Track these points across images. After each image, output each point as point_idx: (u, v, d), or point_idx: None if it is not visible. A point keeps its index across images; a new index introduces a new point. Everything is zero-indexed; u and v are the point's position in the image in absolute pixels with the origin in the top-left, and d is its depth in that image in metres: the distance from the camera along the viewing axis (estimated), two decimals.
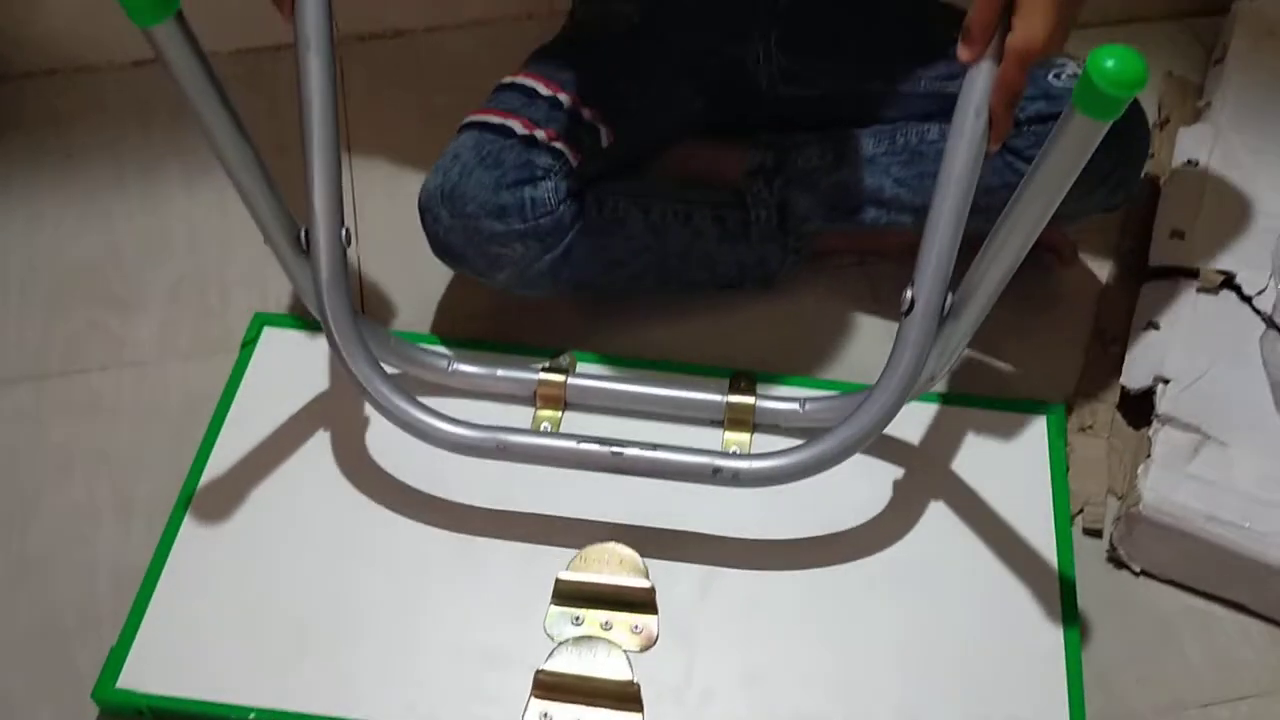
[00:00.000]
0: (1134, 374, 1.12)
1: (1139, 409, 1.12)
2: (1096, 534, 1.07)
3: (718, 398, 1.08)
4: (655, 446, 0.96)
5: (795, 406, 1.07)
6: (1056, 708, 0.94)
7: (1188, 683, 0.98)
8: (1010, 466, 1.08)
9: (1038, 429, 1.11)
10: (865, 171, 1.17)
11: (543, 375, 1.09)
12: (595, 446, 0.96)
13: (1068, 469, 1.09)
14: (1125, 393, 1.12)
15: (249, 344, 1.18)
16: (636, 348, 1.19)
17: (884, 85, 1.19)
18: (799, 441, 0.96)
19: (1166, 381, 1.09)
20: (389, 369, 1.04)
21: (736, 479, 0.94)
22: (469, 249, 1.09)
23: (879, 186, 1.17)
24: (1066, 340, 1.21)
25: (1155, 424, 1.07)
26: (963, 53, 0.87)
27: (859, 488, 1.05)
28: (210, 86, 0.89)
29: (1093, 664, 0.97)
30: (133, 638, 0.96)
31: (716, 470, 0.94)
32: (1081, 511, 1.07)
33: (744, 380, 1.11)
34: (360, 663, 0.96)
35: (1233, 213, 1.23)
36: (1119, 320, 1.20)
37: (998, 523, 1.04)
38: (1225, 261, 1.17)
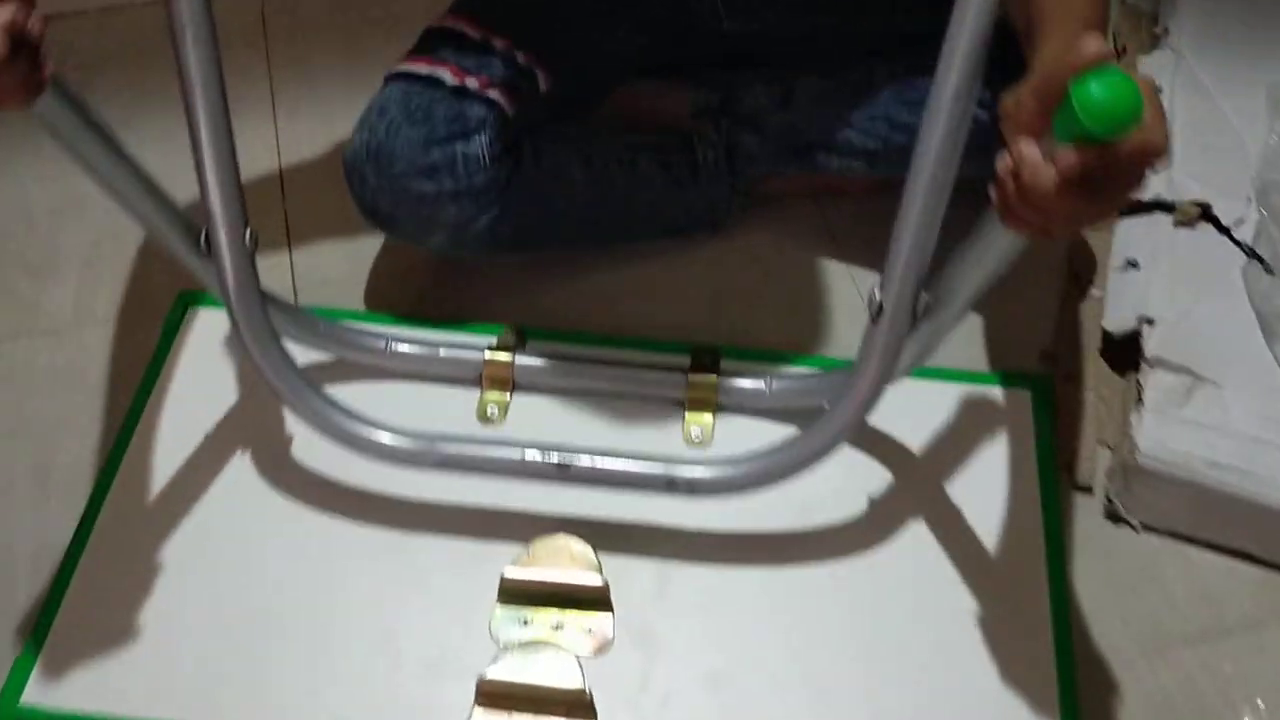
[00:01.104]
0: (1116, 316, 0.97)
1: (1123, 353, 0.96)
2: (1088, 489, 0.92)
3: (678, 376, 0.92)
4: (605, 454, 0.81)
5: (761, 386, 0.91)
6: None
7: (1174, 621, 0.86)
8: (994, 444, 0.92)
9: (1021, 401, 0.95)
10: (814, 113, 1.03)
11: (488, 355, 0.93)
12: (539, 457, 0.81)
13: (1055, 440, 0.93)
14: (1108, 337, 0.97)
15: (173, 325, 1.00)
16: (586, 305, 1.04)
17: (831, 20, 1.03)
18: (763, 429, 0.86)
19: (1151, 322, 0.94)
20: (322, 355, 0.89)
21: (692, 489, 0.80)
22: (399, 212, 0.94)
23: (828, 129, 1.02)
24: (1041, 285, 1.05)
25: (1144, 368, 0.92)
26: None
27: (829, 471, 0.87)
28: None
29: (1079, 611, 0.86)
30: (42, 644, 0.81)
31: (671, 482, 0.80)
32: (1070, 467, 0.92)
33: (706, 356, 0.94)
34: (288, 673, 0.80)
35: (1203, 141, 1.08)
36: (1094, 261, 1.05)
37: (981, 502, 0.89)
38: (1200, 192, 1.03)
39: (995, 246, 0.66)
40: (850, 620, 0.83)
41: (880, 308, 0.73)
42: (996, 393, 0.95)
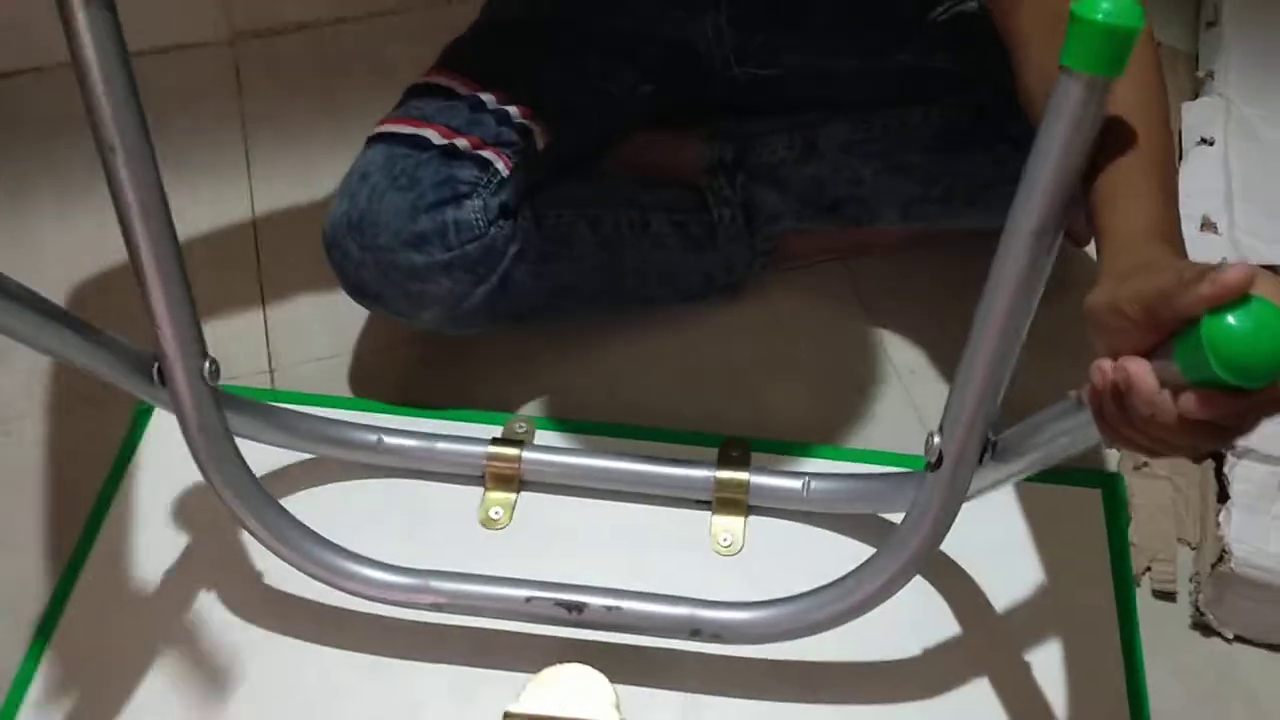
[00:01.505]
0: None
1: None
2: (1169, 597, 0.80)
3: (705, 473, 0.80)
4: (622, 595, 0.71)
5: (797, 485, 0.79)
6: None
7: None
8: (1061, 551, 0.80)
9: (1089, 501, 0.82)
10: (840, 163, 0.92)
11: (493, 449, 0.81)
12: (549, 598, 0.71)
13: (1129, 545, 0.81)
14: None
15: (140, 420, 0.88)
16: (595, 383, 0.93)
17: (852, 62, 0.93)
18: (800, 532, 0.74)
19: None
20: (305, 454, 0.78)
21: (719, 637, 0.70)
22: (385, 287, 0.83)
23: (857, 179, 0.92)
24: None
25: (1229, 458, 0.81)
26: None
27: None
28: None
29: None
30: None
31: (696, 629, 0.70)
32: (1149, 570, 0.81)
33: (735, 450, 0.82)
34: None
35: (1265, 196, 0.97)
36: None
37: (1048, 617, 0.77)
38: (1269, 253, 0.92)
39: (1082, 439, 0.56)
40: None
41: (940, 456, 0.63)
42: (1061, 492, 0.82)
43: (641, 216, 0.92)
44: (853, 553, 0.78)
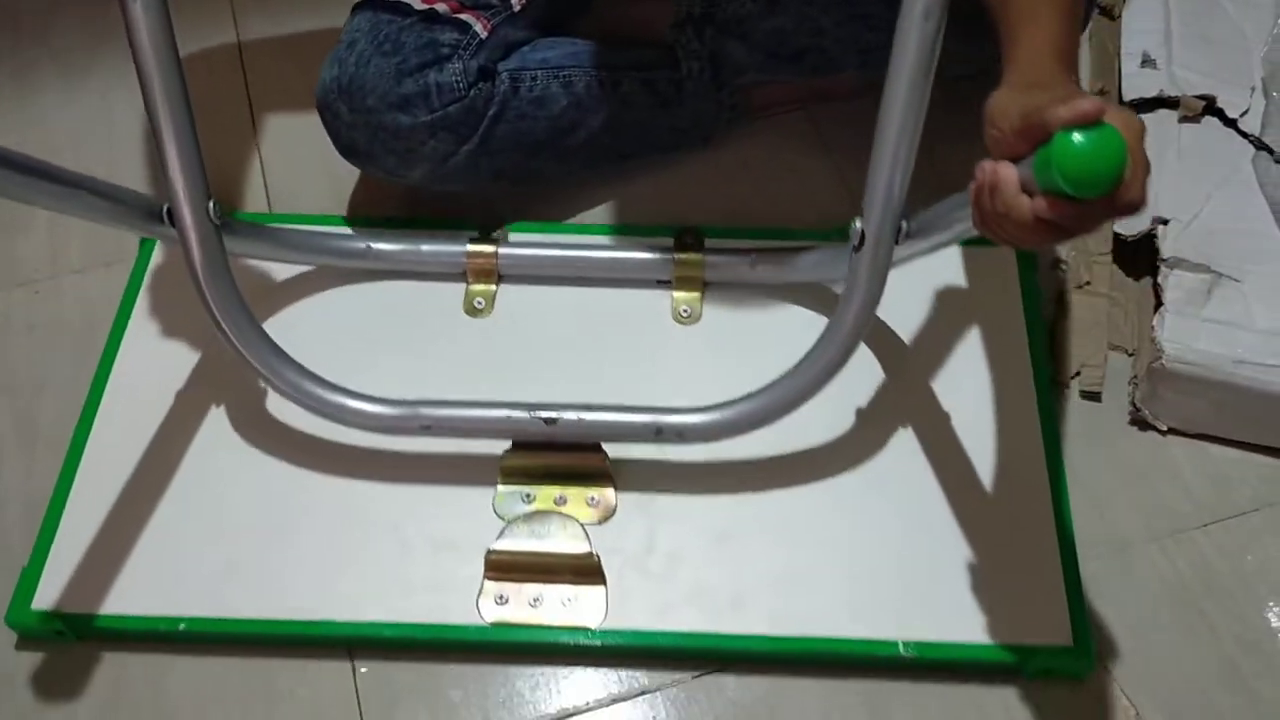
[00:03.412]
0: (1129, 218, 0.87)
1: (1136, 257, 0.87)
2: (1095, 396, 0.83)
3: (663, 255, 0.84)
4: (591, 408, 0.75)
5: (745, 261, 0.84)
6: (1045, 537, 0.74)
7: (1187, 508, 0.80)
8: (979, 306, 0.85)
9: (1008, 265, 0.87)
10: (803, 14, 0.92)
11: (471, 247, 0.83)
12: (525, 415, 0.74)
13: (1040, 300, 0.85)
14: (1120, 240, 0.87)
15: (142, 266, 0.90)
16: (569, 210, 0.95)
17: None
18: (752, 299, 0.79)
19: (1165, 222, 0.85)
20: (303, 267, 0.84)
21: (681, 437, 0.74)
22: (375, 147, 0.85)
23: (818, 29, 0.92)
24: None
25: (1162, 269, 0.82)
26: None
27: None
28: None
29: (1086, 495, 0.79)
30: (45, 556, 0.75)
31: (659, 430, 0.74)
32: (1078, 374, 0.83)
33: (690, 236, 0.86)
34: (295, 563, 0.75)
35: (1200, 32, 0.98)
36: None
37: (969, 367, 0.82)
38: (1203, 85, 0.93)
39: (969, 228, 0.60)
40: (849, 478, 0.77)
41: (862, 237, 0.68)
42: (981, 255, 0.86)
43: (612, 76, 0.92)
44: (796, 314, 0.83)
